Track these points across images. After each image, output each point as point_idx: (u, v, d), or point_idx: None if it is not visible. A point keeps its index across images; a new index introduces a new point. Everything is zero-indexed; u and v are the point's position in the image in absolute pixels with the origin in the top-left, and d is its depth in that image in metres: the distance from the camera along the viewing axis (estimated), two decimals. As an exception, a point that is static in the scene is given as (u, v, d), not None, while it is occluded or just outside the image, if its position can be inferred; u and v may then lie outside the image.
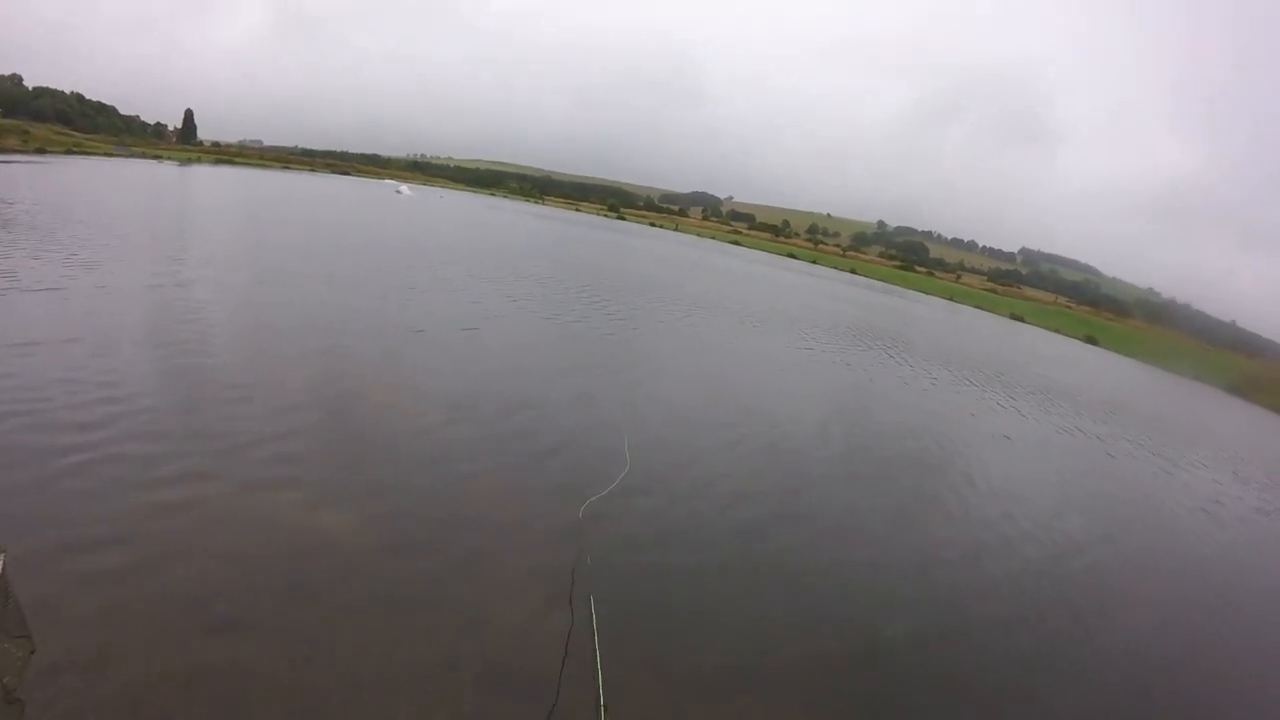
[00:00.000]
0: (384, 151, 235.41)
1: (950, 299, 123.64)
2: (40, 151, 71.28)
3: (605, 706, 6.38)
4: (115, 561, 6.94)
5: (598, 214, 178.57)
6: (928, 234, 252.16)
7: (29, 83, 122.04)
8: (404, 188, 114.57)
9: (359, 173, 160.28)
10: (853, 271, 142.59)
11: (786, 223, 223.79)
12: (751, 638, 8.00)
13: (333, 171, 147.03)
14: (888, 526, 12.32)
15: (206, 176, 74.20)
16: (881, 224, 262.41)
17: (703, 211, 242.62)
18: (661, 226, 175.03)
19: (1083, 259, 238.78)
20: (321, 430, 11.15)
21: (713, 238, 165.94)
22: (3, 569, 3.34)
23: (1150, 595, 12.55)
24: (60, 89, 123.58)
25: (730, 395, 18.87)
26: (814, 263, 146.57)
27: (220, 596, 6.79)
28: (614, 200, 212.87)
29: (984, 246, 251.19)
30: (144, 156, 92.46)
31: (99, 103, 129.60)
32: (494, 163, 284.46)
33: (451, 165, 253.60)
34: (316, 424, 11.34)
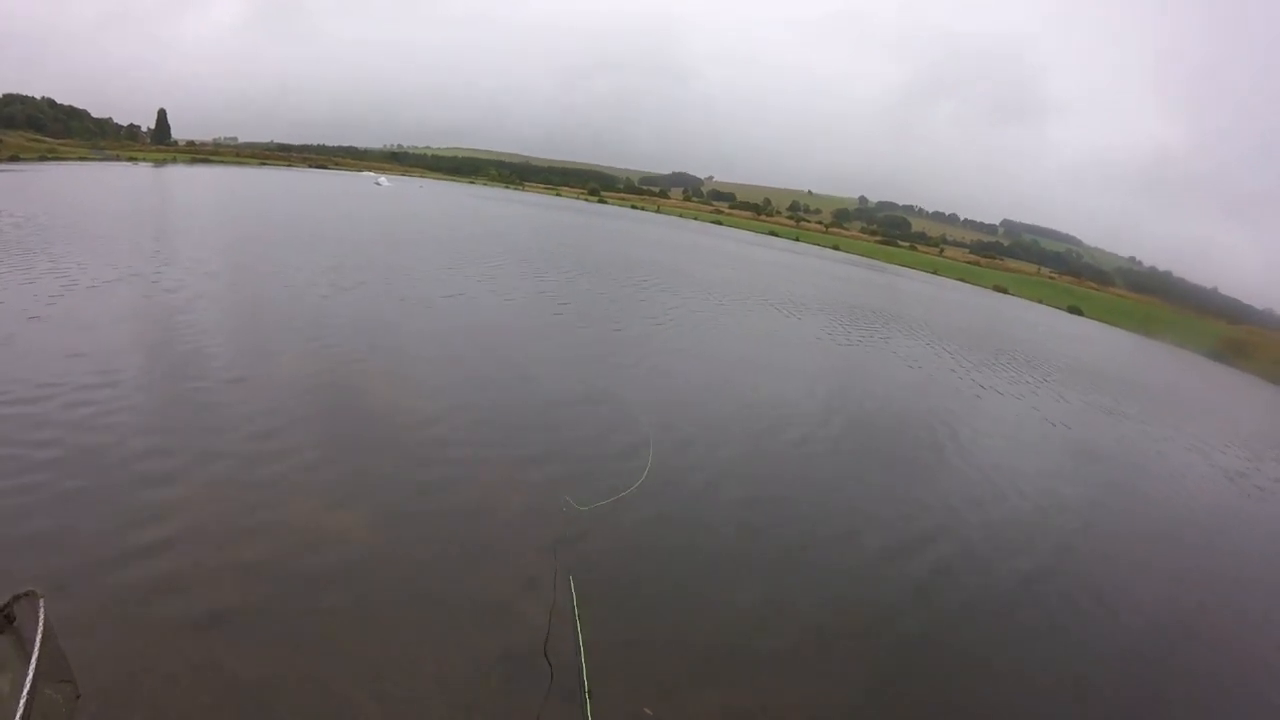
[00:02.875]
0: (361, 143, 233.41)
1: (934, 273, 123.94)
2: (14, 159, 70.31)
3: (590, 693, 6.46)
4: (134, 581, 6.94)
5: (578, 198, 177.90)
6: (909, 208, 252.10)
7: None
8: (383, 179, 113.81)
9: (337, 166, 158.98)
10: (835, 248, 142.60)
11: (768, 200, 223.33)
12: (763, 627, 8.07)
13: (310, 166, 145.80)
14: (936, 517, 12.39)
15: (185, 177, 73.42)
16: (863, 199, 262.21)
17: (684, 192, 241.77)
18: (643, 208, 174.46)
19: (1064, 230, 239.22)
20: (334, 431, 11.19)
21: (695, 218, 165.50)
22: (44, 614, 3.31)
23: (1184, 569, 12.74)
24: (30, 95, 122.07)
25: (764, 388, 18.76)
26: (796, 240, 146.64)
27: (241, 607, 6.84)
28: (594, 184, 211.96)
29: (965, 219, 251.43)
30: (119, 159, 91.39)
31: (70, 107, 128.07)
32: (472, 150, 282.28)
33: (429, 154, 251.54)
34: (329, 425, 11.41)
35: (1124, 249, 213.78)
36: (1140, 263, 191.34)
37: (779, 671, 7.36)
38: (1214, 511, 16.80)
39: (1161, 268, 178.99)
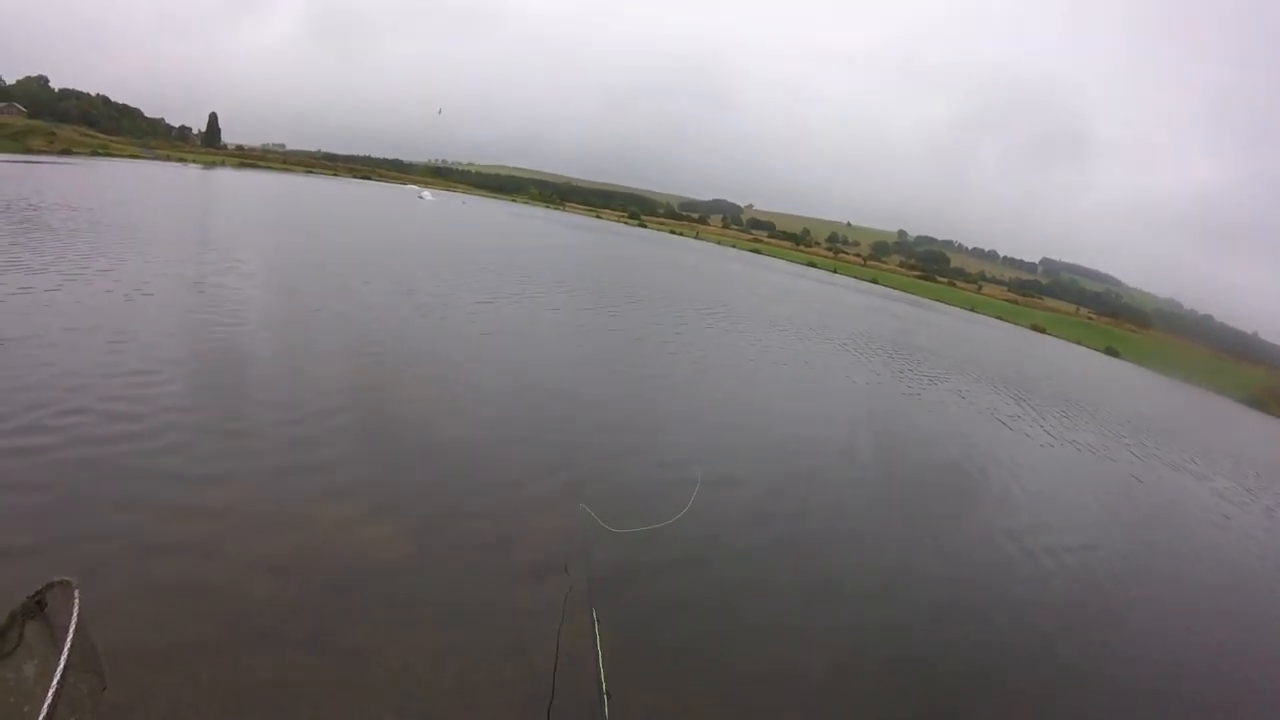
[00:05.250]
0: (406, 156, 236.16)
1: (972, 310, 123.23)
2: (66, 153, 71.96)
3: (609, 693, 6.35)
4: (161, 579, 6.89)
5: (618, 221, 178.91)
6: (948, 243, 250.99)
7: (55, 84, 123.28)
8: (426, 193, 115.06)
9: (381, 177, 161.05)
10: (874, 281, 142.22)
11: (806, 231, 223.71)
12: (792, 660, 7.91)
13: (355, 176, 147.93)
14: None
15: (235, 182, 74.52)
16: (902, 233, 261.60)
17: (723, 219, 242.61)
18: (681, 234, 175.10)
19: (1104, 270, 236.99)
20: (375, 444, 11.10)
21: (733, 246, 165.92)
22: (78, 604, 3.30)
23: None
24: (86, 90, 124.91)
25: (826, 434, 17.87)
26: (834, 271, 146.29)
27: (267, 610, 6.72)
28: (634, 208, 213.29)
29: (1004, 256, 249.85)
30: (169, 159, 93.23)
31: (124, 105, 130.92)
32: (515, 169, 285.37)
33: (472, 171, 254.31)
34: (371, 438, 11.30)
35: (1164, 290, 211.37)
36: (1180, 305, 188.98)
37: (801, 712, 7.21)
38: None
39: (1202, 311, 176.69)
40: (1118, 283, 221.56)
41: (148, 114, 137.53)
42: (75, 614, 3.32)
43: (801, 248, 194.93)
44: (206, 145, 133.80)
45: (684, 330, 28.14)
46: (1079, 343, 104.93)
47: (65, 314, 14.33)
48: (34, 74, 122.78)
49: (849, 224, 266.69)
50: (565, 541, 9.08)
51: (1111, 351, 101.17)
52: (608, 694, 6.38)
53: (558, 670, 6.68)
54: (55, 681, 2.66)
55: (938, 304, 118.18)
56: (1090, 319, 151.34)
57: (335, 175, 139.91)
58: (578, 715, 6.21)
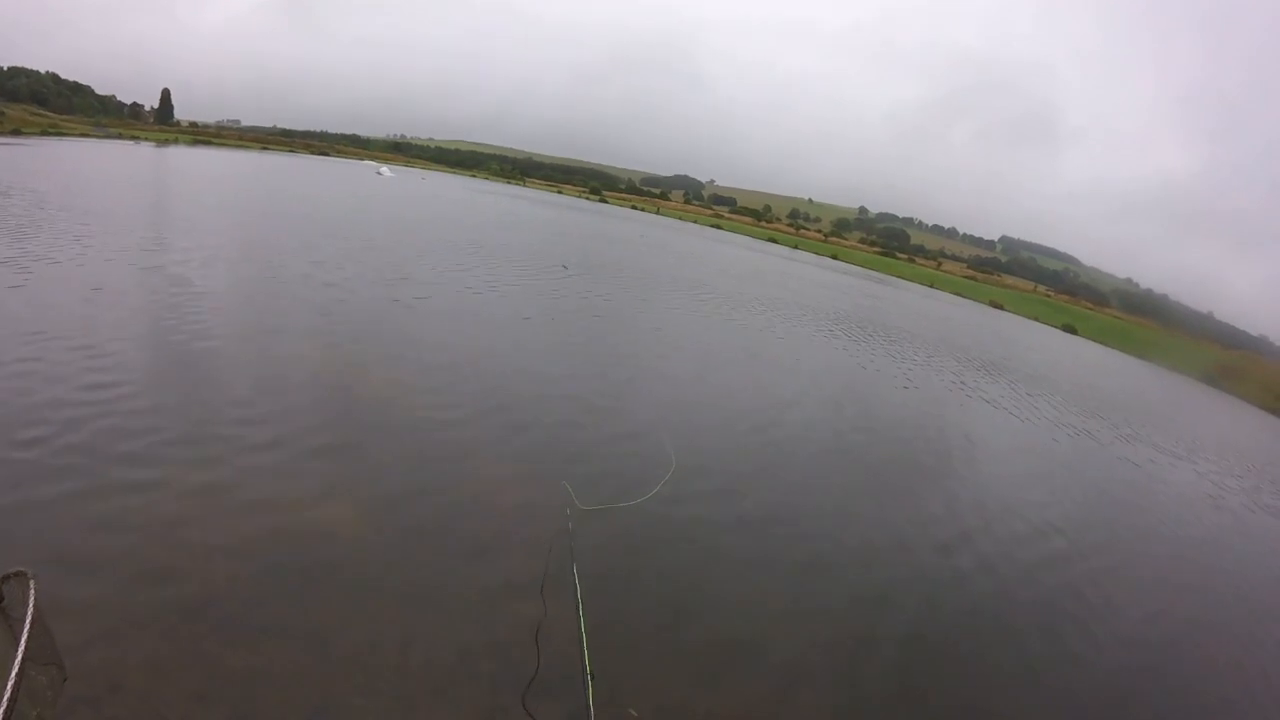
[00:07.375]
0: (364, 132, 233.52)
1: (931, 286, 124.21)
2: (15, 133, 70.15)
3: (593, 674, 6.34)
4: (121, 566, 6.79)
5: (580, 197, 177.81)
6: (909, 220, 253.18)
7: (3, 61, 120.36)
8: (385, 169, 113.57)
9: (338, 153, 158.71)
10: (834, 257, 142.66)
11: (768, 207, 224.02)
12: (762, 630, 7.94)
13: (311, 152, 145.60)
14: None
15: (191, 159, 73.01)
16: (863, 210, 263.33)
17: (684, 195, 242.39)
18: (643, 210, 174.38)
19: (1063, 249, 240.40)
20: (335, 423, 10.96)
21: (695, 221, 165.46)
22: (34, 594, 3.21)
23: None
24: (35, 68, 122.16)
25: (814, 418, 17.74)
26: (795, 248, 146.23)
27: (229, 596, 6.67)
28: (595, 183, 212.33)
29: (964, 234, 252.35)
30: (120, 137, 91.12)
31: (75, 82, 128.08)
32: (475, 144, 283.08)
33: (432, 146, 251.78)
34: (329, 416, 11.17)
35: (1121, 271, 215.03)
36: (1137, 284, 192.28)
37: (774, 683, 7.24)
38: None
39: (1158, 290, 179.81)
40: (1076, 262, 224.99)
41: (99, 91, 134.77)
42: (31, 605, 3.23)
43: (763, 224, 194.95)
44: (160, 122, 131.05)
45: (657, 309, 28.24)
46: (1036, 319, 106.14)
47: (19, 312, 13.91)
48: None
49: (810, 200, 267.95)
50: (543, 520, 9.04)
51: (1069, 328, 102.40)
52: (591, 675, 6.34)
53: (539, 649, 6.67)
54: (14, 674, 2.65)
55: (899, 280, 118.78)
56: (1048, 296, 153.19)
57: (292, 152, 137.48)
58: (560, 694, 6.19)
